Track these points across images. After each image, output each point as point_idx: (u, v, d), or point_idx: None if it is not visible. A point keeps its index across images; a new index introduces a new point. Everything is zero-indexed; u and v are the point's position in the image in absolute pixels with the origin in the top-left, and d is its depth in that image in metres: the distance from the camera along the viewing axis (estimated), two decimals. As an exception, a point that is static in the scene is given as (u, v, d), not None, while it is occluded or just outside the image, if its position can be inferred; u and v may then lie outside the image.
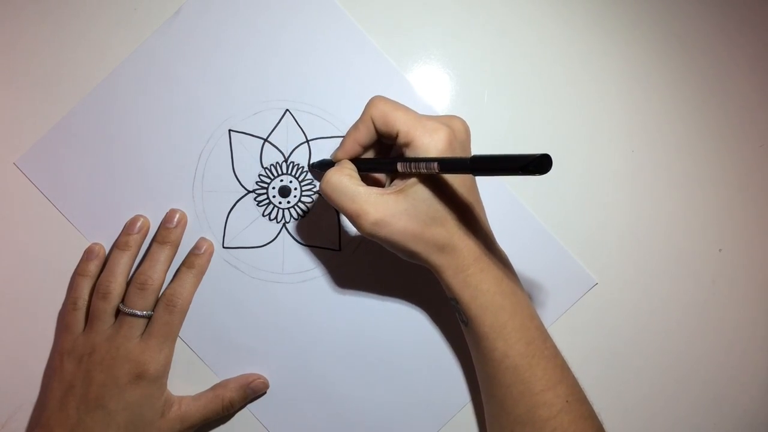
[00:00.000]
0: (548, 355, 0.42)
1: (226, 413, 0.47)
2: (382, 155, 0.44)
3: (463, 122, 0.41)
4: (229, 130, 0.48)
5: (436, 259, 0.40)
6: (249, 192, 0.48)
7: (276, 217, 0.48)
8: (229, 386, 0.47)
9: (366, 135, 0.41)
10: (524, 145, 0.49)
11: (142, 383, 0.44)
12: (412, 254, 0.40)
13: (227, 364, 0.48)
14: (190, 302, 0.47)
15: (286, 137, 0.48)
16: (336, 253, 0.48)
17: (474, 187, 0.42)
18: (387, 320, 0.49)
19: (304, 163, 0.48)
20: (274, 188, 0.48)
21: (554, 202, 0.49)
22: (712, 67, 0.50)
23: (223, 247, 0.48)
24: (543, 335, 0.43)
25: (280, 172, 0.48)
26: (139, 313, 0.45)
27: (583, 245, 0.49)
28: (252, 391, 0.47)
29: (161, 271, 0.46)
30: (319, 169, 0.48)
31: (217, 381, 0.48)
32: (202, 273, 0.48)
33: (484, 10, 0.49)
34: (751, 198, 0.50)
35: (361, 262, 0.49)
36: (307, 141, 0.48)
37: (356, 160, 0.42)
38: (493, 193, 0.47)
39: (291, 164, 0.48)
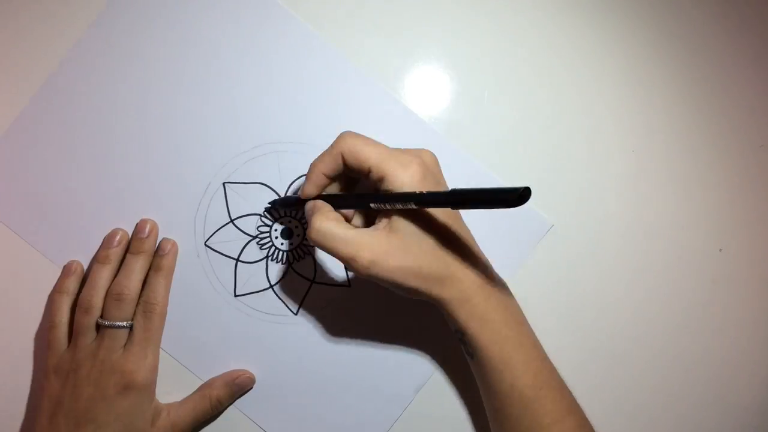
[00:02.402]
0: (555, 386, 0.41)
1: (215, 412, 0.47)
2: (347, 188, 0.43)
3: (432, 154, 0.40)
4: (224, 183, 0.48)
5: (439, 291, 0.39)
6: (253, 238, 0.48)
7: (280, 259, 0.48)
8: (215, 384, 0.47)
9: (332, 167, 0.40)
10: (524, 145, 0.49)
11: (130, 393, 0.44)
12: (413, 291, 0.39)
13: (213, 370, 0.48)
14: (166, 305, 0.47)
15: (279, 178, 0.48)
16: (346, 289, 0.48)
17: (458, 215, 0.41)
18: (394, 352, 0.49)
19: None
20: (276, 230, 0.48)
21: (554, 203, 0.49)
22: (712, 67, 0.49)
23: (235, 296, 0.48)
24: (549, 366, 0.41)
25: (279, 215, 0.48)
26: (118, 324, 0.44)
27: (583, 244, 0.49)
28: (238, 387, 0.47)
29: (136, 281, 0.46)
30: (282, 207, 0.47)
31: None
32: (171, 273, 0.47)
33: (483, 9, 0.48)
34: (751, 198, 0.49)
35: (372, 295, 0.48)
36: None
37: (329, 197, 0.42)
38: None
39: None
